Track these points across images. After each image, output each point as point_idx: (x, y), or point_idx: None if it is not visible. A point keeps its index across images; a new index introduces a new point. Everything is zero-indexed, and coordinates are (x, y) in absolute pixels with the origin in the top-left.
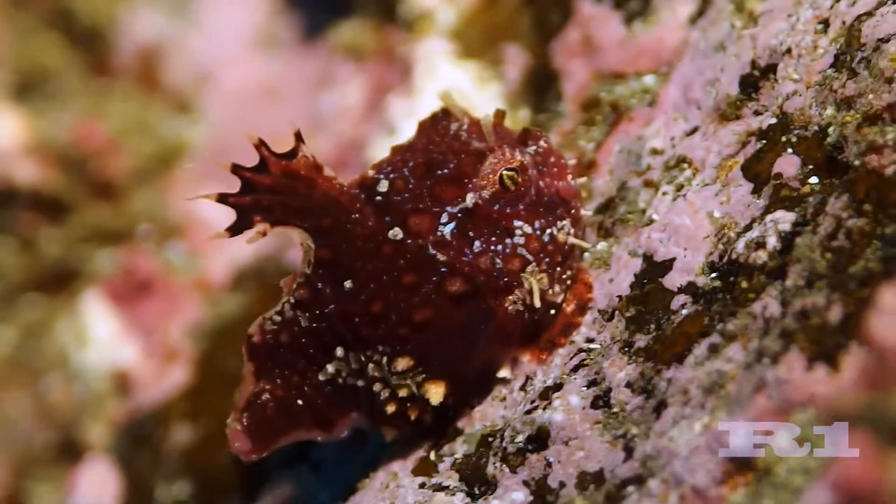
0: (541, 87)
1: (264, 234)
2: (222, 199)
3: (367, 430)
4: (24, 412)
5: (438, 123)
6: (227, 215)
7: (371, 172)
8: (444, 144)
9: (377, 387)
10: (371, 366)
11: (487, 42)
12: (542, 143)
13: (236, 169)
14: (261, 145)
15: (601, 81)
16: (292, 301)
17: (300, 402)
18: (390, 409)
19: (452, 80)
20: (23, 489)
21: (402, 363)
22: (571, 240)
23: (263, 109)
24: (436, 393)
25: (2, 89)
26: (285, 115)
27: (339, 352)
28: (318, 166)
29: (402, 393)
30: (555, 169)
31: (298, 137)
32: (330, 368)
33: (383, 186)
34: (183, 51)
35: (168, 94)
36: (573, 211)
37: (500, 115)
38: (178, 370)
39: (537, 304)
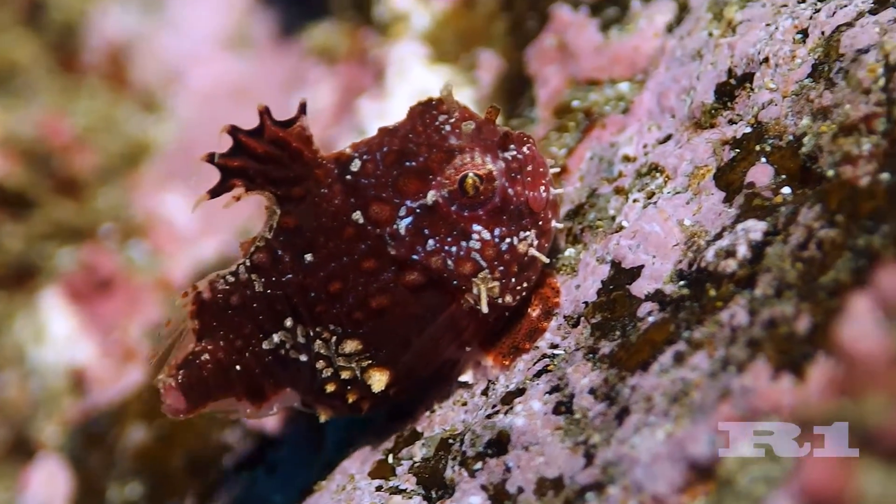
0: (514, 92)
1: (238, 198)
2: (210, 158)
3: (304, 410)
4: None
5: (428, 112)
6: (191, 216)
7: (349, 150)
8: (424, 135)
9: (320, 364)
10: (318, 342)
11: (462, 46)
12: (524, 148)
13: (233, 130)
14: (264, 111)
15: (575, 88)
16: (247, 264)
17: (238, 367)
18: (330, 388)
19: (425, 84)
20: None
21: (351, 345)
22: (532, 251)
23: (233, 109)
24: (379, 380)
25: None
26: (255, 115)
27: (289, 322)
28: (308, 138)
29: (345, 375)
30: (529, 178)
31: (302, 108)
32: (276, 338)
33: (355, 166)
34: (153, 49)
35: (136, 92)
36: (541, 223)
37: (492, 112)
38: (135, 370)
39: (484, 309)
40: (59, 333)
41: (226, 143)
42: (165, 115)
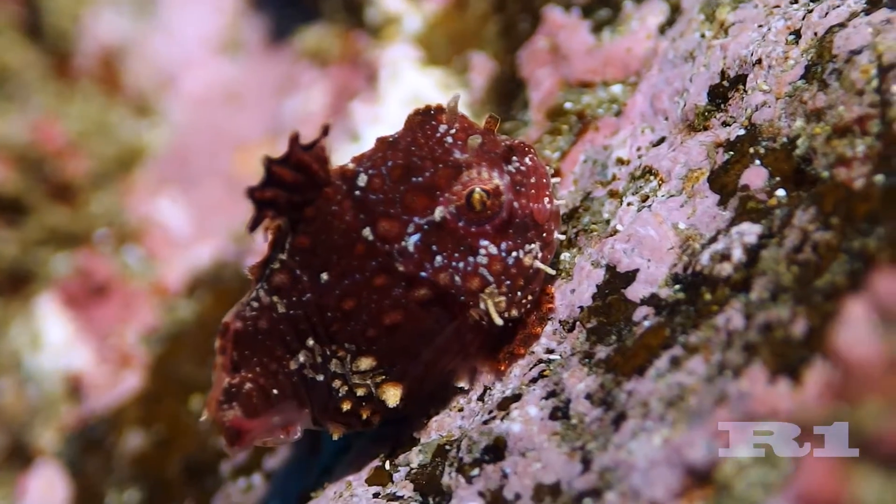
0: (507, 95)
1: (267, 229)
2: (249, 193)
3: (314, 429)
4: None
5: (427, 122)
6: (185, 221)
7: (352, 165)
8: (427, 148)
9: (336, 383)
10: (334, 361)
11: (454, 49)
12: (527, 159)
13: (267, 162)
14: (294, 138)
15: (568, 90)
16: (266, 287)
17: (276, 391)
18: (345, 406)
19: (417, 87)
20: None
21: (365, 362)
22: (537, 264)
23: (226, 113)
24: (393, 395)
25: None
26: (248, 119)
27: (310, 341)
28: (325, 159)
29: (360, 392)
30: (532, 190)
31: (325, 131)
32: (301, 357)
33: (362, 181)
34: (145, 53)
35: (129, 97)
36: (545, 234)
37: (491, 122)
38: (131, 376)
39: (498, 322)
40: (55, 339)
41: (223, 153)
42: (158, 120)
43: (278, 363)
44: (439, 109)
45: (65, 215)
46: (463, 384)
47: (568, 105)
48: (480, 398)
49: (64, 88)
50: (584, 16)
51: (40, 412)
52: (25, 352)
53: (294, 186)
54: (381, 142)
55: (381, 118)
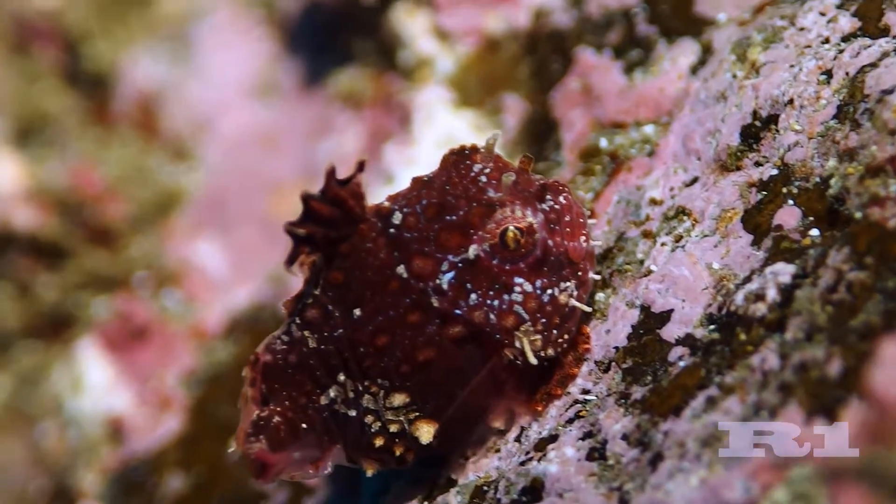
0: (539, 135)
1: (302, 264)
2: (287, 228)
3: (348, 465)
4: (19, 459)
5: (462, 161)
6: (222, 263)
7: (387, 203)
8: (461, 187)
9: (369, 419)
10: (367, 397)
11: (486, 90)
12: (561, 198)
13: (305, 197)
14: (330, 172)
15: (600, 131)
16: (298, 322)
17: (304, 425)
18: (378, 442)
19: (451, 129)
20: None
21: (399, 399)
22: (573, 302)
23: (261, 156)
24: (427, 432)
25: (2, 135)
26: (283, 162)
27: (342, 377)
28: (361, 195)
29: (393, 428)
30: (567, 229)
31: (360, 167)
32: (331, 393)
33: (397, 219)
34: (182, 97)
35: (167, 141)
36: (580, 273)
37: (525, 162)
38: (171, 418)
39: (533, 361)
40: (96, 382)
41: (259, 196)
42: (195, 164)
43: (308, 397)
44: (474, 149)
45: (104, 259)
46: (499, 425)
47: (601, 145)
48: (517, 439)
49: (102, 134)
50: (616, 56)
51: (82, 455)
52: (67, 395)
53: (330, 222)
54: (417, 181)
55: (414, 160)
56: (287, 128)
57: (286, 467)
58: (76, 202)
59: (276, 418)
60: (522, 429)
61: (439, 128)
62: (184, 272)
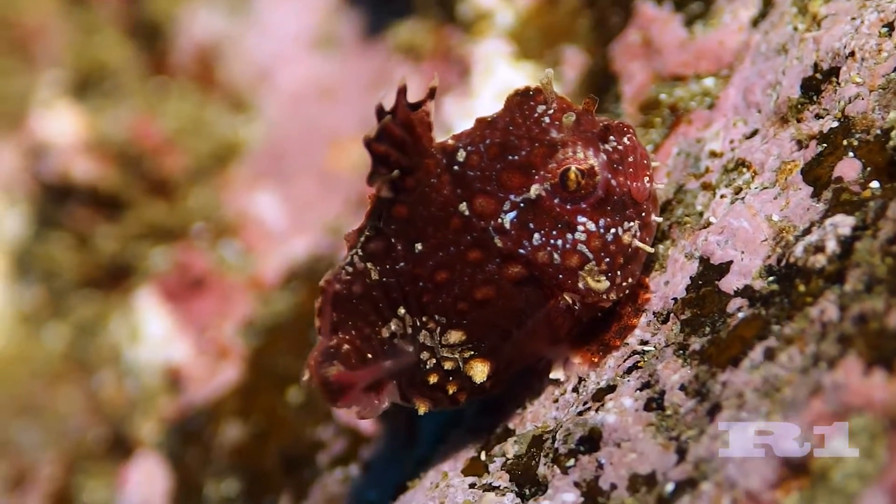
0: (599, 88)
1: (378, 189)
2: (366, 143)
3: (401, 403)
4: (77, 408)
5: (526, 103)
6: (281, 215)
7: (451, 141)
8: (524, 128)
9: (424, 355)
10: (424, 332)
11: (545, 43)
12: (625, 139)
13: (379, 111)
14: (402, 90)
15: (660, 83)
16: (360, 253)
17: (370, 355)
18: (432, 379)
19: (510, 81)
20: (73, 484)
21: (455, 336)
22: (636, 242)
23: (320, 109)
24: (481, 371)
25: (62, 87)
26: (341, 114)
27: (401, 311)
28: (429, 125)
29: (448, 366)
30: (631, 169)
31: (431, 94)
32: (392, 326)
33: (461, 156)
34: (240, 50)
35: (225, 93)
36: (643, 214)
37: (590, 103)
38: (229, 368)
39: (601, 292)
40: (154, 333)
41: (317, 148)
42: (254, 116)
43: (371, 328)
44: (538, 91)
45: (163, 210)
46: (557, 375)
47: (661, 98)
48: (575, 389)
49: (160, 86)
50: (677, 9)
51: (140, 404)
52: (125, 345)
53: (401, 144)
54: (481, 121)
55: (474, 113)
56: (346, 80)
57: (359, 393)
58: (135, 154)
59: (346, 346)
60: (580, 379)
61: (498, 81)
62: (242, 223)
